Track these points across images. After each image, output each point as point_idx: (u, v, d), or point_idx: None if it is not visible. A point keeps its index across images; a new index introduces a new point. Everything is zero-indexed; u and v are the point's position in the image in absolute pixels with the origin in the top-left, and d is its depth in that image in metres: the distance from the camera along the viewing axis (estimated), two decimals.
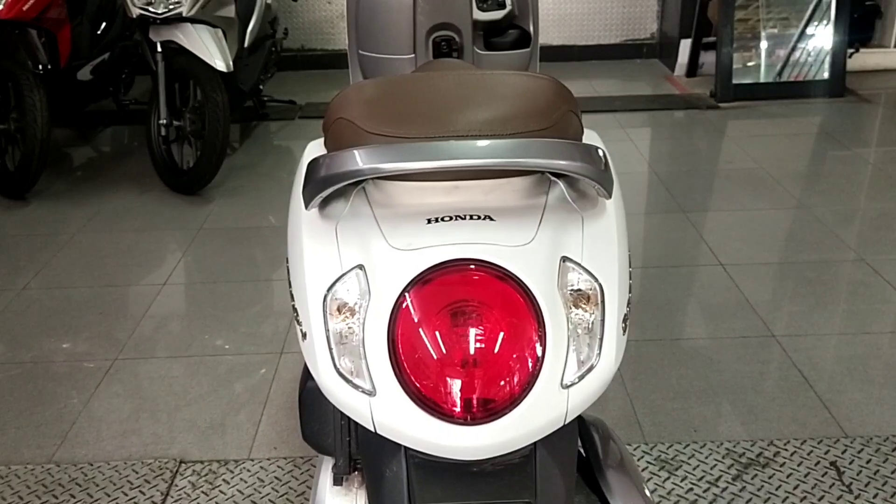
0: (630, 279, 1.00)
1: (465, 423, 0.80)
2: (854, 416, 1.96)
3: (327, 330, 0.87)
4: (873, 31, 4.94)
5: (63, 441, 1.96)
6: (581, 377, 0.84)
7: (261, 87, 4.22)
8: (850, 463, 1.80)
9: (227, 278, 2.73)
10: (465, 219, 0.88)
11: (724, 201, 3.25)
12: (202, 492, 1.78)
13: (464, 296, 0.83)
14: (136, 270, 2.80)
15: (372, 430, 0.84)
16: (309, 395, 1.15)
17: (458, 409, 0.80)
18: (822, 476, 1.77)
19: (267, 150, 4.05)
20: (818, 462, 1.81)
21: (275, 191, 3.47)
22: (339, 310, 0.87)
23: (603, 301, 0.88)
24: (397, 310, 0.83)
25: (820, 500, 1.70)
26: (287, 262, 1.12)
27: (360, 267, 0.88)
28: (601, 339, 0.86)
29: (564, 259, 0.88)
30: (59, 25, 3.48)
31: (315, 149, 1.17)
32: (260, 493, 1.77)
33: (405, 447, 0.85)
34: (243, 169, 3.73)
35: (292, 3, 5.02)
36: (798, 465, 1.80)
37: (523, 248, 0.86)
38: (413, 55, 1.91)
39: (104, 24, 3.96)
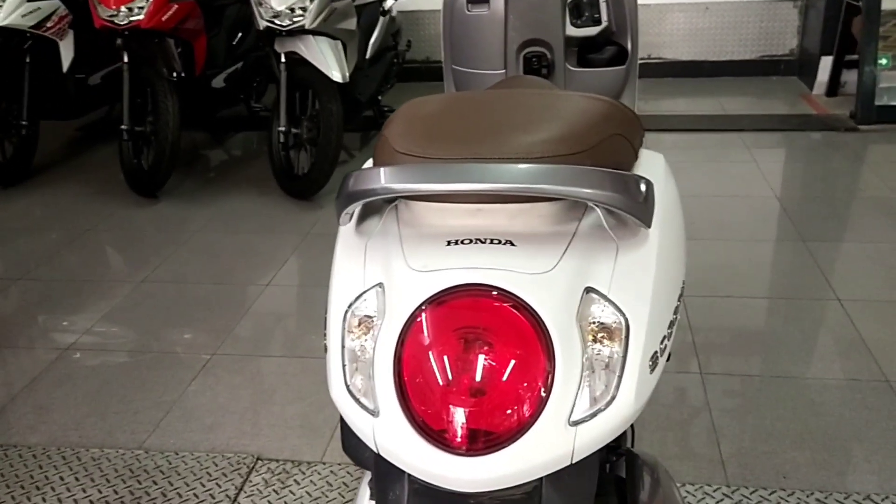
0: (675, 314, 0.94)
1: (463, 453, 0.78)
2: None
3: (343, 347, 0.87)
4: None
5: (155, 429, 2.07)
6: (593, 415, 0.80)
7: (380, 97, 4.32)
8: None
9: (327, 283, 2.80)
10: (485, 242, 0.86)
11: (851, 232, 3.02)
12: (273, 490, 1.83)
13: (473, 322, 0.81)
14: (245, 270, 2.93)
15: (375, 451, 0.83)
16: None
17: (457, 439, 0.78)
18: None
19: None
20: None
21: None
22: (357, 327, 0.87)
23: (627, 337, 0.83)
24: (406, 331, 0.82)
25: None
26: None
27: (380, 285, 0.88)
28: (620, 377, 0.82)
29: (589, 290, 0.84)
30: (196, 36, 3.70)
31: (368, 164, 1.18)
32: (327, 496, 1.80)
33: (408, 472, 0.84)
34: None
35: (417, 16, 5.11)
36: None
37: (542, 276, 0.83)
38: (504, 70, 1.90)
39: (239, 35, 4.19)
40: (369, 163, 1.19)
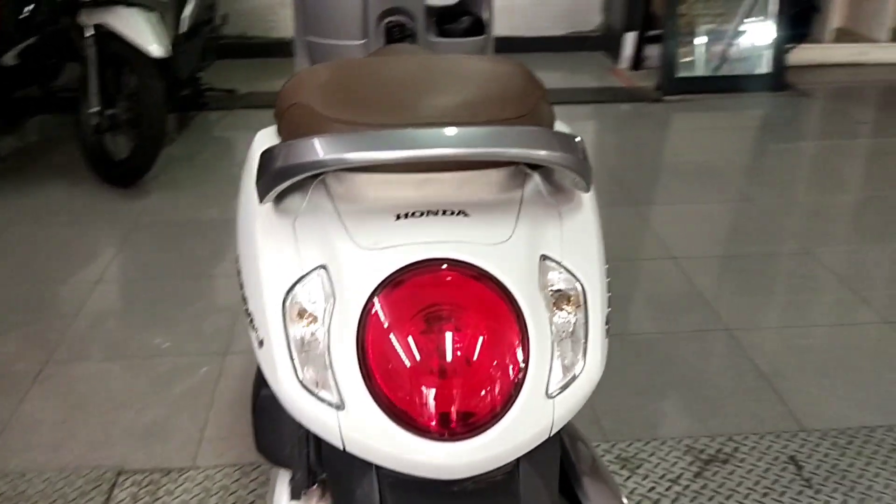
0: (607, 277, 0.94)
1: (444, 438, 0.73)
2: (809, 409, 1.96)
3: (287, 337, 0.79)
4: (810, 27, 5.03)
5: None
6: (566, 385, 0.78)
7: (199, 75, 4.06)
8: (809, 457, 1.79)
9: (165, 274, 2.60)
10: (437, 214, 0.81)
11: (672, 195, 3.25)
12: (143, 503, 1.67)
13: (439, 299, 0.76)
14: (68, 267, 2.64)
15: (340, 447, 0.76)
16: (264, 403, 1.07)
17: (435, 424, 0.73)
18: (782, 471, 1.76)
19: (206, 141, 3.90)
20: (777, 457, 1.80)
21: (216, 183, 3.34)
22: (300, 315, 0.79)
23: (585, 302, 0.82)
24: (366, 315, 0.76)
25: (781, 495, 1.69)
26: (237, 261, 1.03)
27: (323, 267, 0.80)
28: (585, 343, 0.81)
29: (543, 257, 0.82)
30: None
31: (266, 138, 1.08)
32: (206, 503, 1.67)
33: (377, 465, 0.78)
34: (181, 160, 3.58)
35: None
36: (758, 461, 1.78)
37: (501, 245, 0.80)
38: (364, 41, 1.83)
39: (30, 7, 3.74)
40: (267, 137, 1.09)
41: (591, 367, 0.80)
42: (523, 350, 0.76)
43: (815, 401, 1.98)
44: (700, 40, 4.51)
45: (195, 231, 2.90)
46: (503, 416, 0.74)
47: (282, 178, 0.79)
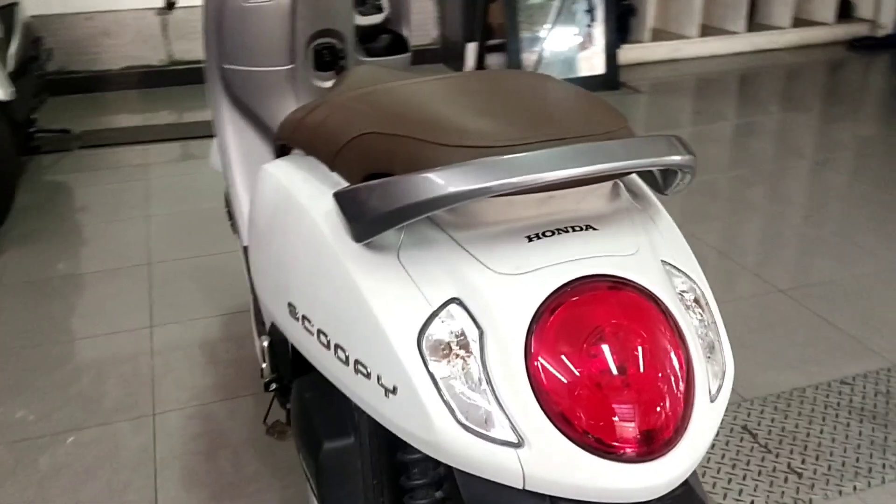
0: None
1: (639, 459, 0.71)
2: (743, 379, 2.09)
3: (434, 379, 0.74)
4: (629, 28, 5.41)
5: None
6: (720, 387, 0.79)
7: (34, 116, 3.69)
8: (759, 424, 1.92)
9: (52, 339, 2.34)
10: (566, 231, 0.79)
11: None
12: None
13: (604, 316, 0.74)
14: None
15: (519, 486, 0.72)
16: (329, 457, 0.99)
17: (629, 445, 0.71)
18: (741, 441, 1.87)
19: (51, 187, 3.54)
20: (732, 428, 1.91)
21: (71, 233, 3.04)
22: (443, 354, 0.74)
23: (706, 301, 0.83)
24: (529, 342, 0.72)
25: (747, 464, 1.80)
26: (291, 308, 0.95)
27: (456, 300, 0.76)
28: (719, 341, 0.82)
29: (663, 262, 0.82)
30: None
31: (285, 172, 1.00)
32: None
33: (551, 500, 0.74)
34: (30, 210, 3.23)
35: (48, 22, 4.45)
36: (717, 433, 1.88)
37: (636, 256, 0.79)
38: (291, 66, 1.74)
39: None
40: (291, 168, 1.01)
41: (730, 365, 0.81)
42: (686, 358, 0.75)
43: (745, 372, 2.13)
44: (536, 46, 4.73)
45: (69, 286, 2.63)
46: (687, 427, 0.73)
47: (410, 215, 0.73)
